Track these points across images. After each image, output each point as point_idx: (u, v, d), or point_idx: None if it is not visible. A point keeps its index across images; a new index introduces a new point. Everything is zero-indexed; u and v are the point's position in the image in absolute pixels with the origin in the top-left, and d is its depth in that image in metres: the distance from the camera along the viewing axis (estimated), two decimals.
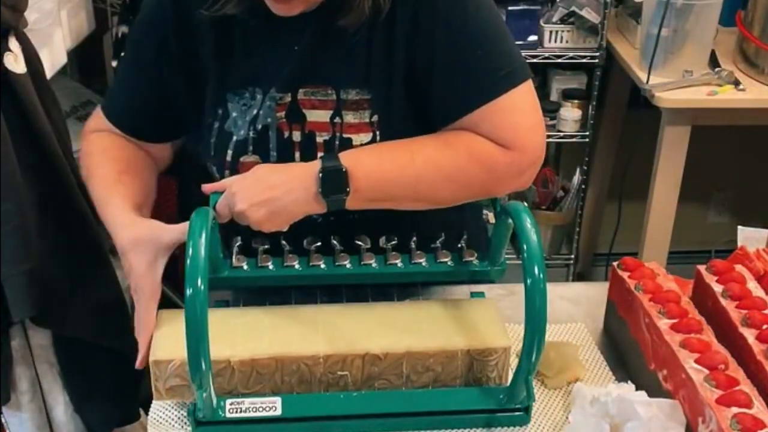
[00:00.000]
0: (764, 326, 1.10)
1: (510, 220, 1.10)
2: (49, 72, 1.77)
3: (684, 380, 1.04)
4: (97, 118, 1.34)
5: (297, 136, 1.23)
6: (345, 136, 1.22)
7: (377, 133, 1.22)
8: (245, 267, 1.18)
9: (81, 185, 1.69)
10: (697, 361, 1.05)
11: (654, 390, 1.10)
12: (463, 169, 1.16)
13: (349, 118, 1.22)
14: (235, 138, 1.23)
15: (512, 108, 1.18)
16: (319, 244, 1.18)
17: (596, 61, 2.47)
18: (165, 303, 1.19)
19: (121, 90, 1.33)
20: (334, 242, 1.18)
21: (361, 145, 1.21)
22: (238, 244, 1.18)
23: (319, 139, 1.22)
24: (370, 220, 1.20)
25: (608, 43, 2.47)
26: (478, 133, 1.17)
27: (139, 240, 1.15)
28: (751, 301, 1.15)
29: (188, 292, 0.96)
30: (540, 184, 2.75)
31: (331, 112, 1.22)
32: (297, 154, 1.23)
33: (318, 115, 1.22)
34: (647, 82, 2.24)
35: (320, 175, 1.11)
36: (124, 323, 1.86)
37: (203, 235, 0.99)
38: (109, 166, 1.27)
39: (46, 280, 1.58)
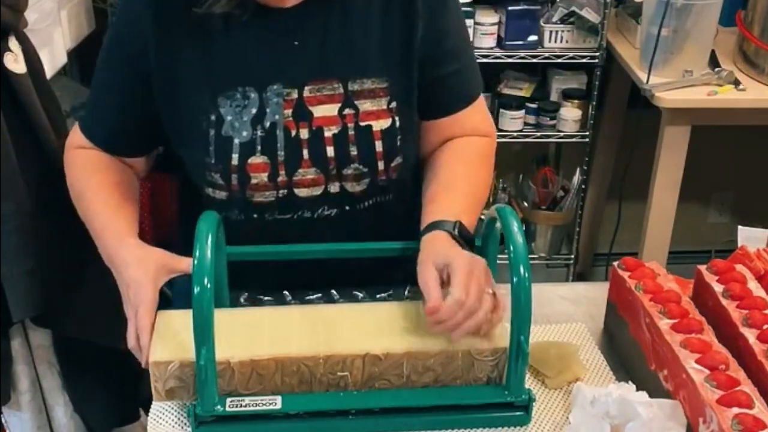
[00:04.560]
0: (765, 326, 1.10)
1: (498, 224, 1.14)
2: (49, 72, 1.77)
3: (685, 380, 1.04)
4: (77, 134, 1.32)
5: (304, 133, 1.23)
6: (363, 123, 1.23)
7: (396, 118, 1.24)
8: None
9: None
10: (697, 362, 1.05)
11: (654, 390, 1.10)
12: (489, 172, 1.35)
13: (367, 105, 1.23)
14: (237, 141, 1.21)
15: (482, 102, 1.34)
16: (319, 295, 1.24)
17: (596, 61, 2.47)
18: (167, 304, 1.20)
19: (95, 108, 1.32)
20: (333, 292, 1.25)
21: (382, 131, 1.24)
22: (244, 296, 1.24)
23: (328, 134, 1.23)
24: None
25: (608, 43, 2.47)
26: (463, 131, 1.30)
27: (144, 258, 1.17)
28: (751, 301, 1.15)
29: (196, 290, 0.99)
30: (540, 184, 2.75)
31: (339, 105, 1.23)
32: (305, 152, 1.23)
33: (325, 110, 1.23)
34: (647, 82, 2.24)
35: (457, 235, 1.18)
36: (124, 323, 1.87)
37: (209, 237, 1.02)
38: (109, 189, 1.27)
39: (46, 280, 1.58)
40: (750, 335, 1.10)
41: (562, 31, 2.45)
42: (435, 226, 1.17)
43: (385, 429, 1.10)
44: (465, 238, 1.16)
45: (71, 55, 2.09)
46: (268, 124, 1.21)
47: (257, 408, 1.06)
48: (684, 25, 2.21)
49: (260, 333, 1.11)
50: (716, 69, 2.28)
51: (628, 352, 1.21)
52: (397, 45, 1.23)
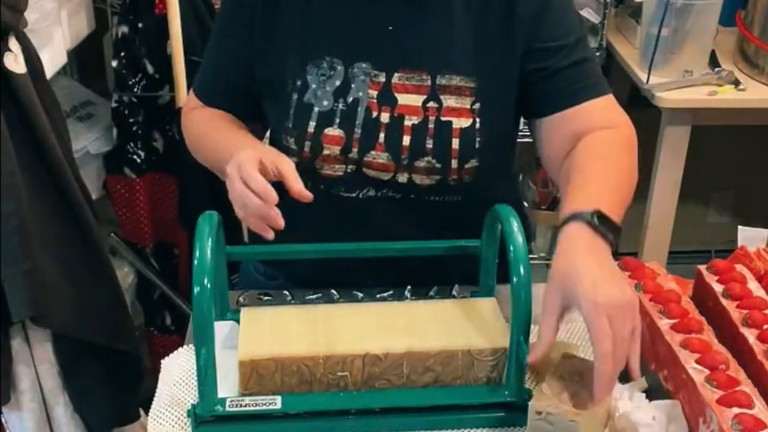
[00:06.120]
0: (765, 326, 1.10)
1: (498, 226, 1.16)
2: (49, 72, 1.77)
3: (685, 380, 1.04)
4: (192, 99, 1.37)
5: (385, 117, 1.24)
6: (444, 119, 1.24)
7: (477, 120, 1.25)
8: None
9: (81, 185, 1.70)
10: (697, 362, 1.05)
11: (654, 390, 1.10)
12: (633, 163, 1.28)
13: (451, 102, 1.24)
14: (317, 109, 1.24)
15: (611, 101, 1.29)
16: (319, 295, 1.26)
17: (596, 60, 2.47)
18: (167, 304, 1.20)
19: (210, 70, 1.36)
20: (333, 292, 1.28)
21: (461, 129, 1.24)
22: (244, 296, 1.26)
23: (408, 123, 1.24)
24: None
25: (608, 43, 2.46)
26: (588, 126, 1.24)
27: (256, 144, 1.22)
28: (751, 301, 1.15)
29: (195, 290, 0.99)
30: (540, 184, 2.75)
31: (425, 97, 1.24)
32: (381, 135, 1.24)
33: (410, 99, 1.24)
34: (647, 82, 2.24)
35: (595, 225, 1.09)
36: (124, 323, 1.87)
37: (209, 237, 1.03)
38: (229, 123, 1.31)
39: (46, 280, 1.58)
40: (750, 335, 1.10)
41: None
42: (572, 217, 1.11)
43: (385, 429, 1.09)
44: (606, 227, 1.09)
45: (71, 55, 2.09)
46: (350, 99, 1.24)
47: (257, 408, 1.06)
48: (684, 25, 2.21)
49: (260, 333, 1.11)
50: (716, 69, 2.28)
51: None
52: (492, 48, 1.24)
